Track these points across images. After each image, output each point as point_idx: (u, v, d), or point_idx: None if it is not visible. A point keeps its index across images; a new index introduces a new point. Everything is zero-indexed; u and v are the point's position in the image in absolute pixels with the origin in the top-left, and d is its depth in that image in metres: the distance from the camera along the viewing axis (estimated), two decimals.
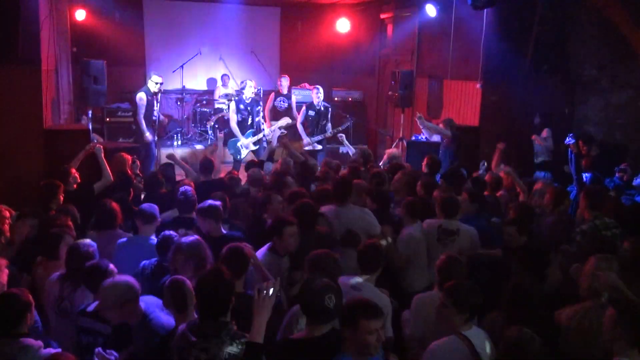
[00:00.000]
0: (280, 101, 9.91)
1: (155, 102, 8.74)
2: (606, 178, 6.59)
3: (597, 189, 5.34)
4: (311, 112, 8.96)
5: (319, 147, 8.96)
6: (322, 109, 9.00)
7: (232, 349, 2.71)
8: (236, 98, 8.92)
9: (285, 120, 8.87)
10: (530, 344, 2.72)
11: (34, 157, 7.00)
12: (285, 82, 9.96)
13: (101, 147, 6.23)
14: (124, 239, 4.52)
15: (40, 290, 3.78)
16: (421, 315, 3.59)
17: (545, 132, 7.95)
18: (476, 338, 3.05)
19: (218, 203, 4.52)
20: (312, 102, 9.07)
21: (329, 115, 9.12)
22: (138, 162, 7.03)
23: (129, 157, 6.52)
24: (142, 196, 6.07)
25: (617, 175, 6.49)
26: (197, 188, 5.81)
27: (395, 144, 10.36)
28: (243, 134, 8.52)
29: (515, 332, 2.78)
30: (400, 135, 10.41)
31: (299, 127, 8.97)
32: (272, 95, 10.05)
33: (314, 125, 8.96)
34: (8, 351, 2.87)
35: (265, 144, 8.67)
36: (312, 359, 2.82)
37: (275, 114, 9.73)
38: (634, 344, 2.78)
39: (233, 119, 8.57)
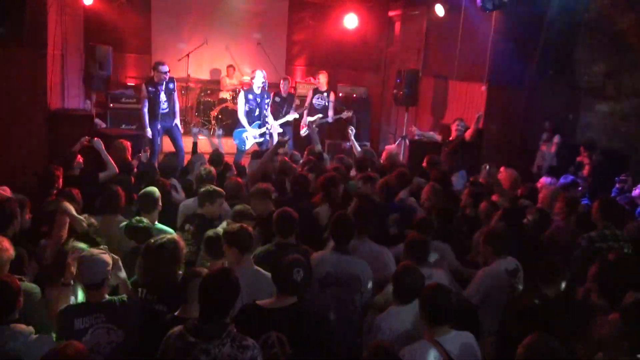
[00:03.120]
0: (318, 98, 9.80)
1: (160, 94, 8.30)
2: (609, 187, 6.58)
3: (611, 199, 5.30)
4: (277, 99, 9.42)
5: (280, 130, 9.15)
6: (287, 95, 9.52)
7: (233, 351, 2.69)
8: (246, 87, 8.94)
9: (292, 116, 9.01)
10: (551, 348, 2.65)
11: (38, 140, 7.02)
12: (323, 78, 9.84)
13: (100, 140, 6.13)
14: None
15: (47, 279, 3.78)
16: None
17: (556, 138, 7.94)
18: (451, 343, 2.98)
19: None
20: (280, 90, 9.59)
21: (293, 104, 9.62)
22: (148, 152, 6.99)
23: (128, 144, 6.46)
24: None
25: (617, 186, 6.48)
26: None
27: (397, 142, 10.37)
28: (250, 124, 8.53)
29: (535, 337, 2.70)
30: (403, 133, 10.41)
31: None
32: (311, 92, 9.99)
33: (278, 110, 9.27)
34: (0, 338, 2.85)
35: (268, 137, 8.68)
36: (273, 327, 3.03)
37: (312, 111, 9.68)
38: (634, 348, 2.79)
39: (241, 108, 8.58)
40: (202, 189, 4.90)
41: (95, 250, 3.30)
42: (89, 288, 3.22)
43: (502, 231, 4.29)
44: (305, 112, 9.74)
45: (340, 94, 12.04)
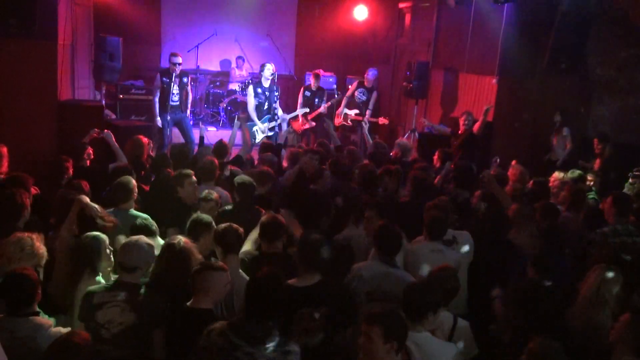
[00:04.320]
0: (361, 93, 9.95)
1: (173, 85, 8.38)
2: (620, 182, 6.50)
3: (626, 195, 5.24)
4: (307, 93, 9.59)
5: (313, 123, 9.42)
6: (316, 89, 9.59)
7: (277, 356, 2.68)
8: (255, 81, 8.93)
9: (303, 110, 9.08)
10: (556, 356, 2.63)
11: (47, 130, 7.07)
12: (371, 74, 9.93)
13: (110, 132, 6.17)
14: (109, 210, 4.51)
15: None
16: None
17: (565, 131, 7.87)
18: (414, 343, 2.93)
19: None
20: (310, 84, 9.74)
21: (324, 97, 9.66)
22: (152, 143, 7.00)
23: (146, 141, 6.29)
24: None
25: (630, 181, 6.37)
26: None
27: (406, 135, 10.32)
28: (259, 118, 8.51)
29: (540, 344, 2.66)
30: (413, 126, 10.36)
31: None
32: (355, 83, 10.12)
33: (308, 105, 9.43)
34: (19, 330, 2.88)
35: (277, 130, 8.68)
36: (305, 304, 3.14)
37: (351, 104, 9.91)
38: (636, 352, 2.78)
39: (251, 102, 8.55)
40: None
41: (143, 238, 3.40)
42: (122, 269, 3.30)
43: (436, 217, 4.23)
44: (344, 103, 9.89)
45: (349, 87, 12.02)
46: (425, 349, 2.94)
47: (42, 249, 3.49)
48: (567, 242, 4.71)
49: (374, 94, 9.98)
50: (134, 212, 4.52)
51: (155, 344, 3.18)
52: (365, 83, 9.96)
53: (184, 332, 3.00)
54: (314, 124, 9.49)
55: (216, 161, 5.60)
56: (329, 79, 11.74)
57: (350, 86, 10.35)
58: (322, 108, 9.45)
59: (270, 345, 2.67)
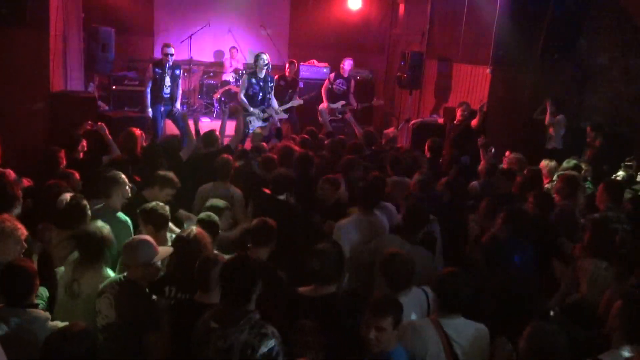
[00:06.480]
0: (340, 83, 9.95)
1: (165, 77, 8.36)
2: (612, 171, 6.52)
3: (617, 182, 5.27)
4: (282, 82, 9.55)
5: (285, 115, 9.27)
6: (291, 80, 9.67)
7: (250, 338, 2.67)
8: (250, 71, 8.87)
9: (297, 102, 9.01)
10: (557, 337, 2.61)
11: (39, 121, 7.01)
12: (348, 64, 9.96)
13: (104, 125, 6.11)
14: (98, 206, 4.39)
15: (49, 258, 3.79)
16: None
17: (561, 118, 7.86)
18: (454, 329, 2.98)
19: None
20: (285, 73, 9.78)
21: (297, 88, 9.82)
22: (144, 135, 6.96)
23: (139, 133, 6.11)
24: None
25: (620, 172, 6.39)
26: (199, 159, 5.95)
27: (400, 125, 10.33)
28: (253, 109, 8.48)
29: (539, 326, 2.67)
30: (407, 117, 10.36)
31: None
32: (332, 75, 10.10)
33: (282, 94, 9.33)
34: (17, 321, 2.85)
35: (271, 120, 8.65)
36: (309, 315, 3.07)
37: (332, 96, 9.89)
38: (630, 337, 2.80)
39: (242, 91, 8.50)
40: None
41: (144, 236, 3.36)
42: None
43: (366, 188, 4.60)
44: (325, 96, 9.85)
45: (326, 80, 11.96)
46: (466, 335, 2.99)
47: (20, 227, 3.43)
48: (564, 230, 4.73)
49: (352, 82, 10.01)
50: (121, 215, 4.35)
51: (147, 346, 3.11)
52: (342, 72, 9.96)
53: None
54: (286, 115, 9.20)
55: (231, 159, 5.45)
56: (323, 69, 11.69)
57: (327, 79, 10.23)
58: (296, 100, 9.23)
59: (245, 327, 2.69)
